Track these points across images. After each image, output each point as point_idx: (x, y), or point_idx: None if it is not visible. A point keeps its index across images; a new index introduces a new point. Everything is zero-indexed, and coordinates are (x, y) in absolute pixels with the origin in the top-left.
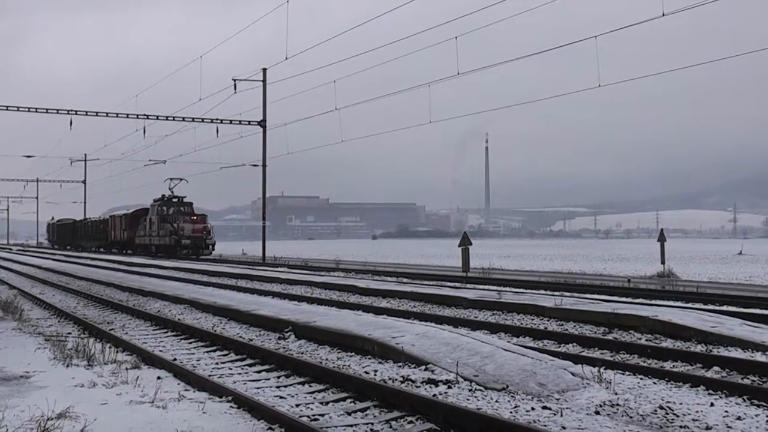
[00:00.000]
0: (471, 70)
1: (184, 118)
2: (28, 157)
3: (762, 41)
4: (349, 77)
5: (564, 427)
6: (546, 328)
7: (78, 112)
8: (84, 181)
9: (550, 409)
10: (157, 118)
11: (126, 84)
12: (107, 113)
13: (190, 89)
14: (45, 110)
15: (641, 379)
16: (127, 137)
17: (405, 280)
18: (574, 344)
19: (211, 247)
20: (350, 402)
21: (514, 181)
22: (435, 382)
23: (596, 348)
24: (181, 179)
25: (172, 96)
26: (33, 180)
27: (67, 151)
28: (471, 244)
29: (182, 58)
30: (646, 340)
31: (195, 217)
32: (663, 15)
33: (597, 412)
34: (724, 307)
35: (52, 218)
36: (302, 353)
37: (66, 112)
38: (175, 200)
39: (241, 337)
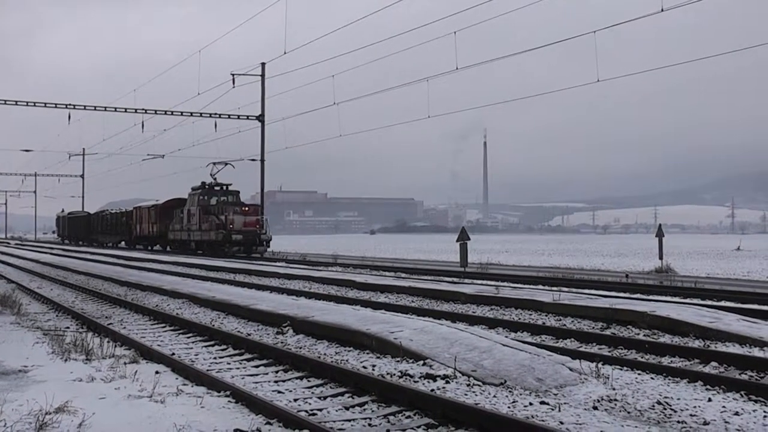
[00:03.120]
0: (469, 65)
1: (182, 113)
2: (27, 151)
3: (762, 37)
4: (348, 72)
5: (562, 422)
6: (544, 323)
7: (76, 107)
8: (82, 176)
9: (548, 404)
10: (156, 113)
11: (137, 79)
12: (105, 107)
13: (190, 84)
14: (43, 104)
15: (639, 374)
16: (125, 131)
17: (403, 275)
18: (572, 339)
19: (266, 243)
20: (348, 397)
21: (512, 176)
22: (433, 377)
23: (594, 343)
24: (226, 163)
25: (172, 90)
26: (31, 174)
27: (66, 146)
28: (469, 239)
29: (193, 53)
30: (644, 335)
31: (246, 208)
32: (662, 10)
33: (595, 407)
34: (722, 303)
35: (62, 210)
36: (300, 348)
37: (64, 106)
38: (217, 188)
39: (239, 331)
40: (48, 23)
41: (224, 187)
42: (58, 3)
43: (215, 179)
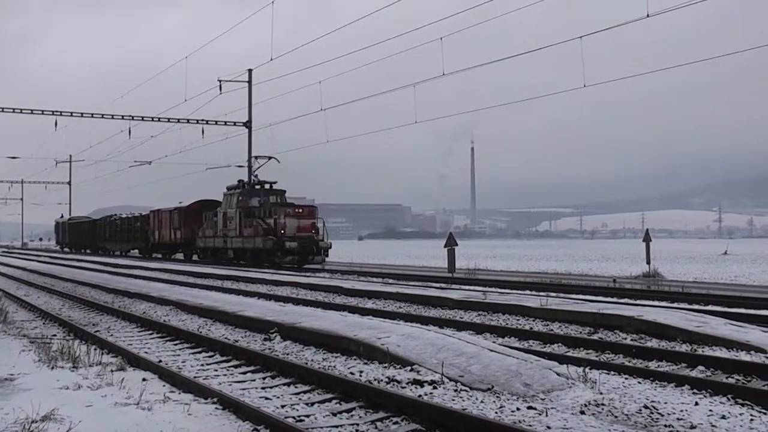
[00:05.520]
0: (456, 71)
1: (169, 119)
2: (13, 158)
3: (747, 42)
4: (335, 78)
5: (549, 427)
6: (531, 328)
7: (63, 113)
8: (69, 183)
9: (535, 409)
10: (143, 119)
11: (131, 84)
12: (92, 114)
13: (178, 90)
14: (30, 111)
15: (626, 378)
16: (112, 138)
17: (391, 280)
18: (560, 344)
19: (323, 252)
20: (336, 403)
21: (500, 181)
22: (420, 383)
23: (582, 348)
24: (270, 157)
25: (161, 96)
26: (18, 181)
27: (53, 152)
28: (457, 244)
29: (179, 59)
30: (632, 339)
31: (300, 210)
32: (648, 16)
33: (582, 412)
34: (709, 307)
35: (62, 216)
36: (288, 354)
37: (51, 113)
38: (258, 187)
39: (226, 338)
40: (44, 28)
41: (269, 186)
42: (56, 7)
43: (256, 176)
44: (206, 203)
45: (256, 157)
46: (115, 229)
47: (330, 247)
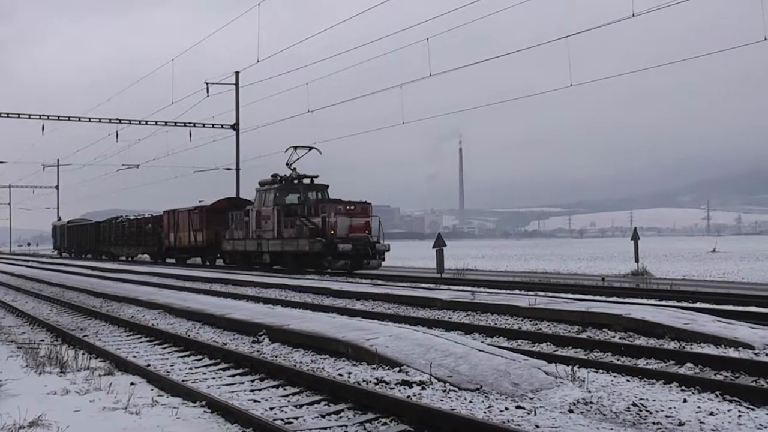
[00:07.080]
0: (443, 72)
1: (156, 122)
2: (1, 162)
3: (733, 41)
4: (322, 80)
5: (538, 426)
6: (520, 327)
7: (50, 117)
8: (57, 187)
9: (523, 408)
10: (130, 122)
11: (123, 88)
12: (79, 118)
13: (166, 93)
14: (17, 115)
15: (615, 376)
16: (100, 142)
17: (379, 281)
18: (548, 343)
19: (380, 256)
20: (324, 404)
21: (488, 181)
22: (409, 384)
23: (570, 347)
24: (311, 147)
25: (149, 99)
26: (5, 186)
27: (40, 157)
28: (445, 245)
29: (186, 61)
30: (620, 338)
31: (352, 207)
32: (633, 15)
33: (570, 411)
34: (698, 304)
35: (59, 219)
36: (276, 356)
37: (38, 117)
38: (295, 182)
39: (215, 341)
40: (37, 33)
41: (309, 180)
42: (48, 13)
43: (294, 169)
44: (233, 201)
45: (295, 148)
46: (122, 232)
47: (388, 250)
